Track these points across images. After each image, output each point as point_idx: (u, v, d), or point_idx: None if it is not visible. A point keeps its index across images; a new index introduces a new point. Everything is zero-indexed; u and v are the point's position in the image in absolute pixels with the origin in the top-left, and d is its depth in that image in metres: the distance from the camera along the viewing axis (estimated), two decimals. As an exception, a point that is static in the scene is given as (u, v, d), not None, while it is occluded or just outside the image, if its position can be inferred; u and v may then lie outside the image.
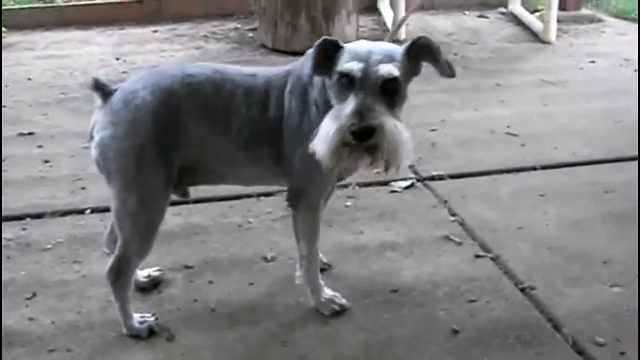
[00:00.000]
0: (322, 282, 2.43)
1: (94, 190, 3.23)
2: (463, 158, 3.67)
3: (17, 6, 6.67)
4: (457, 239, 2.88)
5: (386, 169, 1.96)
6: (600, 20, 6.88)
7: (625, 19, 7.03)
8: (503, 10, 7.05)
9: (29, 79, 5.05)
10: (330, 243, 2.78)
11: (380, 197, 3.26)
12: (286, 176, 2.29)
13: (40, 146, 3.84)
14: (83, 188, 3.32)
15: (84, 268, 2.68)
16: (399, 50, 2.03)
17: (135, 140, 2.11)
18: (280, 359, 2.22)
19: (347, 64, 1.95)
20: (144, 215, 2.17)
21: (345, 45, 2.03)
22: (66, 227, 2.98)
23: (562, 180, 3.46)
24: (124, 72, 5.04)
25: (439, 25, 6.58)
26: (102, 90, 2.17)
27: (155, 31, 6.39)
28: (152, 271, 2.58)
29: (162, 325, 2.34)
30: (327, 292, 2.43)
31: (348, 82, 1.95)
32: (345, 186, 3.24)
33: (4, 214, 3.04)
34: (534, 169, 3.59)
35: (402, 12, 5.90)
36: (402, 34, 5.69)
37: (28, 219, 3.05)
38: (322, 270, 2.50)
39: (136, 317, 2.30)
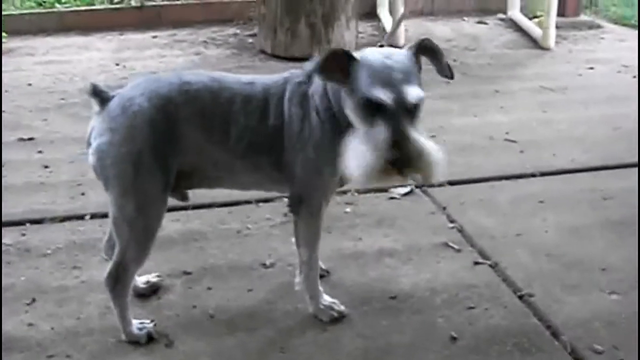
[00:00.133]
0: (321, 288, 2.44)
1: (93, 196, 3.23)
2: (462, 164, 3.67)
3: (17, 12, 6.68)
4: (455, 246, 2.89)
5: (422, 184, 2.03)
6: (599, 26, 6.89)
7: (625, 25, 7.03)
8: (502, 16, 7.05)
9: (29, 84, 5.05)
10: (329, 249, 2.78)
11: (379, 204, 3.26)
12: (287, 182, 2.30)
13: (40, 151, 3.85)
14: (83, 194, 3.32)
15: (83, 274, 2.68)
16: (408, 57, 2.03)
17: (132, 147, 2.11)
18: (279, 365, 2.22)
19: (376, 91, 1.94)
20: (142, 221, 2.17)
21: (357, 57, 2.02)
22: (66, 233, 2.98)
23: (560, 187, 3.46)
24: (124, 78, 5.04)
25: (438, 31, 6.59)
26: (100, 96, 2.17)
27: (154, 37, 6.40)
28: (151, 277, 2.58)
29: (161, 331, 2.34)
30: (326, 299, 2.43)
31: (376, 108, 1.95)
32: (344, 192, 3.25)
33: (3, 219, 3.05)
34: (533, 175, 3.59)
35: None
36: (401, 39, 5.70)
37: (27, 225, 3.05)
38: (321, 276, 2.51)
39: (135, 323, 2.30)
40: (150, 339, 2.29)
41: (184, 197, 2.39)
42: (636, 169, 3.55)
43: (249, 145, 2.20)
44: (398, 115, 1.93)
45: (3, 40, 5.86)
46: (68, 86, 4.98)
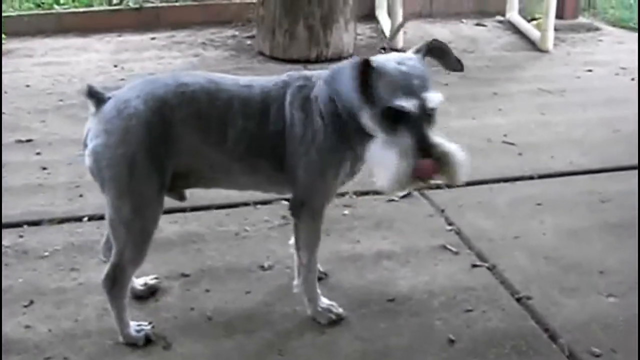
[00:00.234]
0: (319, 291, 2.44)
1: (91, 197, 3.22)
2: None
3: (15, 13, 6.67)
4: (453, 249, 2.89)
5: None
6: (597, 28, 6.90)
7: (623, 27, 7.05)
8: (500, 18, 7.06)
9: (28, 85, 5.05)
10: (327, 252, 2.77)
11: (377, 206, 3.26)
12: (288, 185, 2.30)
13: (38, 153, 3.84)
14: (81, 195, 3.32)
15: (81, 276, 2.67)
16: (420, 61, 2.05)
17: (127, 149, 2.10)
18: (277, 368, 2.22)
19: (399, 101, 1.96)
20: (138, 223, 2.17)
21: (374, 64, 2.02)
22: (64, 235, 2.98)
23: (559, 189, 3.47)
24: (122, 79, 5.04)
25: (436, 34, 6.58)
26: (96, 97, 2.17)
27: (153, 38, 6.40)
28: (149, 279, 2.58)
29: (159, 333, 2.34)
30: (324, 301, 2.43)
31: (399, 116, 1.97)
32: (343, 195, 3.25)
33: (1, 221, 3.04)
34: (531, 178, 3.59)
35: (399, 20, 5.91)
36: (400, 41, 5.71)
37: (25, 226, 3.04)
38: (319, 279, 2.50)
39: (133, 325, 2.29)
40: (148, 341, 2.29)
41: (182, 197, 2.39)
42: (634, 172, 3.56)
43: (247, 148, 2.20)
44: (421, 122, 1.97)
45: (2, 41, 5.86)
46: (66, 87, 4.98)
